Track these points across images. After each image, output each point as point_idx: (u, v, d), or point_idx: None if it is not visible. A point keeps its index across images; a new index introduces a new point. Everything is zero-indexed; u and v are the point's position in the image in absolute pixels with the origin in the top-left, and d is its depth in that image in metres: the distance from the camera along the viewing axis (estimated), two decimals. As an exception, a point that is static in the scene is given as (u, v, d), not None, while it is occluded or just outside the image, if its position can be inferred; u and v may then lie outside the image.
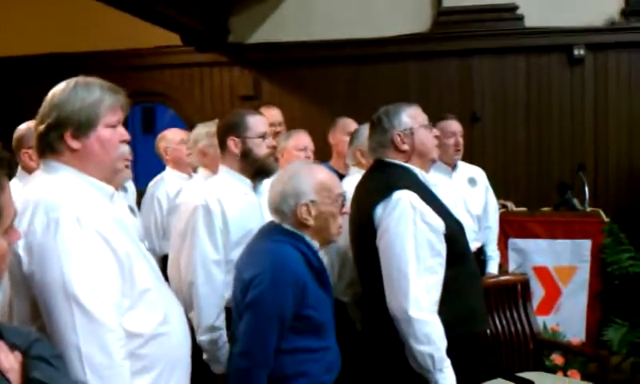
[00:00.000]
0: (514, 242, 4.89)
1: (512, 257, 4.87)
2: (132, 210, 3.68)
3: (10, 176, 1.33)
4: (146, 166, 5.81)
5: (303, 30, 6.25)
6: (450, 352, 2.48)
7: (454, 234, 2.62)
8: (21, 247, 1.75)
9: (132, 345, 1.81)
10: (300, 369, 2.29)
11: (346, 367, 2.52)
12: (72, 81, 1.94)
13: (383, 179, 2.67)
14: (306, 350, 2.31)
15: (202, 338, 2.79)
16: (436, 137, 2.84)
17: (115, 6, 5.08)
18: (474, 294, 2.72)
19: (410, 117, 2.75)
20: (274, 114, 4.29)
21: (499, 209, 4.66)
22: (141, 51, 6.44)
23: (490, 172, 4.57)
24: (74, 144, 1.89)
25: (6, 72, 6.56)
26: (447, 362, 2.47)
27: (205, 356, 2.83)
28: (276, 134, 3.91)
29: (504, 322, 3.94)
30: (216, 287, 2.78)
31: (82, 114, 1.89)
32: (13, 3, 6.49)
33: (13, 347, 1.35)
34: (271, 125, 3.72)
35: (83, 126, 1.89)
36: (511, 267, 4.75)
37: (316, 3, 6.29)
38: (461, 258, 2.63)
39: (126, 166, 3.41)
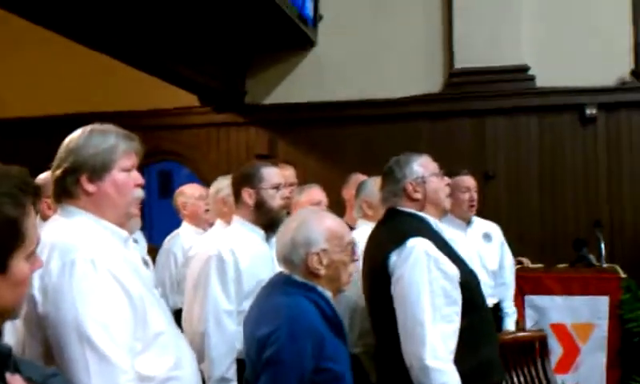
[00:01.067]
0: (531, 298, 4.82)
1: (528, 314, 4.80)
2: (145, 262, 3.68)
3: (35, 204, 1.36)
4: (161, 229, 5.84)
5: (317, 91, 6.36)
6: None
7: (469, 282, 2.61)
8: (36, 288, 1.77)
9: (144, 388, 1.81)
10: None
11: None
12: (88, 127, 2.00)
13: (397, 228, 2.68)
14: None
15: None
16: (447, 185, 2.86)
17: (134, 65, 5.22)
18: (490, 345, 2.68)
19: (422, 165, 2.77)
20: (287, 174, 4.29)
21: (515, 265, 4.63)
22: (158, 111, 6.57)
23: (504, 229, 4.56)
24: (90, 187, 1.93)
25: (22, 132, 6.69)
26: None
27: (217, 407, 2.81)
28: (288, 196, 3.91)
29: (522, 379, 3.87)
30: (228, 338, 2.78)
31: (97, 159, 1.93)
32: (29, 64, 6.66)
33: (29, 381, 1.35)
34: (285, 185, 3.77)
35: (99, 169, 1.93)
36: (528, 324, 4.67)
37: (330, 65, 6.41)
38: (476, 308, 2.61)
39: (137, 215, 3.47)
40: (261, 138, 6.52)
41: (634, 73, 5.95)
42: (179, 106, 6.56)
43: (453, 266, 2.54)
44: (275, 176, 3.02)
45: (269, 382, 2.17)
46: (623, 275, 4.81)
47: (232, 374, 2.78)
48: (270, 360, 2.17)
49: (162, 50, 5.11)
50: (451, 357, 2.46)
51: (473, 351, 2.53)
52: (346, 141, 6.29)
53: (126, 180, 1.98)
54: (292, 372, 2.15)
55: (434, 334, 2.42)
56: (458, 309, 2.52)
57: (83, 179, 1.93)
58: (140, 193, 2.04)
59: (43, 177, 3.02)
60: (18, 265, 1.31)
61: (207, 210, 4.28)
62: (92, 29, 4.34)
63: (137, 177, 2.03)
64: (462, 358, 2.48)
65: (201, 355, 2.79)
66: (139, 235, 3.80)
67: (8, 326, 1.83)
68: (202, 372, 2.77)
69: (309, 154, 6.38)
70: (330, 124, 6.34)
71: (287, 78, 6.53)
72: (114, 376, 1.73)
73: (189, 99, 6.39)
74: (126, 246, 2.00)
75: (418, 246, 2.53)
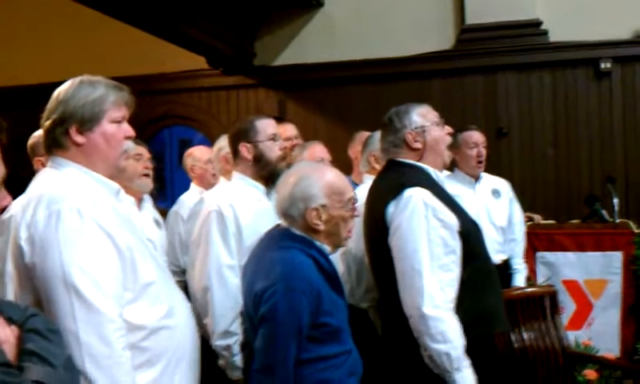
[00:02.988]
0: (543, 255, 4.79)
1: (541, 270, 4.77)
2: (157, 222, 3.69)
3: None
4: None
5: (327, 52, 6.30)
6: (467, 354, 2.41)
7: (469, 232, 2.57)
8: (23, 239, 1.78)
9: (135, 337, 1.82)
10: (322, 376, 2.22)
11: (369, 372, 2.47)
12: (77, 79, 1.98)
13: (395, 178, 2.64)
14: (327, 357, 2.24)
15: (217, 343, 2.78)
16: (449, 134, 2.80)
17: (141, 28, 5.19)
18: (493, 295, 2.65)
19: (421, 115, 2.72)
20: (288, 128, 4.17)
21: (526, 222, 4.58)
22: (167, 75, 6.57)
23: (517, 186, 4.53)
24: (79, 139, 1.92)
25: (28, 100, 6.69)
26: (466, 362, 2.40)
27: (220, 361, 2.82)
28: (292, 148, 3.89)
29: (532, 335, 3.83)
30: (230, 292, 2.77)
31: (86, 110, 1.92)
32: (39, 31, 6.67)
33: (9, 321, 1.38)
34: (286, 139, 3.73)
35: (88, 121, 1.92)
36: (540, 281, 4.64)
37: (339, 25, 6.34)
38: (476, 257, 2.57)
39: (146, 175, 3.47)
40: (270, 100, 6.49)
41: (650, 24, 5.80)
42: (188, 69, 6.53)
43: (452, 215, 2.50)
44: (270, 127, 2.98)
45: (266, 337, 2.17)
46: (637, 230, 4.74)
47: (235, 327, 2.78)
48: (267, 316, 2.16)
49: (169, 12, 5.08)
50: (450, 305, 2.43)
51: (475, 300, 2.51)
52: (356, 100, 6.23)
53: (116, 131, 1.97)
54: (289, 327, 2.14)
55: (431, 283, 2.39)
56: (456, 258, 2.49)
57: (72, 130, 1.92)
58: (130, 145, 2.03)
59: (36, 135, 3.03)
60: None
61: (214, 175, 4.25)
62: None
63: (127, 129, 2.01)
64: (463, 307, 2.45)
65: (203, 310, 2.80)
66: (147, 197, 3.79)
67: (9, 272, 1.85)
68: (205, 326, 2.80)
69: (318, 115, 6.34)
70: (340, 84, 6.29)
71: (296, 38, 6.48)
72: (101, 324, 1.73)
73: (197, 62, 6.36)
74: (117, 198, 2.00)
75: (415, 196, 2.49)
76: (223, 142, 3.64)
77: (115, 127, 1.97)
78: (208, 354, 2.82)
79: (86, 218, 1.78)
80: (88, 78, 1.98)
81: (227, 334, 2.76)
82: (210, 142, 6.56)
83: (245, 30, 6.38)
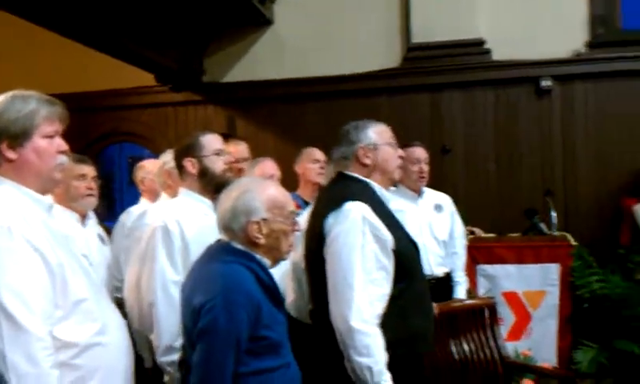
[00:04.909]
0: (483, 268, 4.92)
1: (481, 283, 4.90)
2: (102, 238, 3.69)
3: None
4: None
5: (276, 69, 6.38)
6: (390, 370, 2.44)
7: (405, 251, 2.61)
8: None
9: (66, 355, 1.82)
10: None
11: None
12: (9, 93, 1.97)
13: (339, 191, 2.68)
14: (265, 371, 2.24)
15: (162, 359, 2.78)
16: (400, 157, 2.85)
17: (90, 45, 5.18)
18: (421, 315, 2.68)
19: (377, 133, 2.76)
20: (240, 149, 4.22)
21: (467, 235, 4.70)
22: (115, 92, 6.54)
23: (460, 200, 4.63)
24: (11, 154, 1.92)
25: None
26: (386, 376, 2.43)
27: (165, 378, 2.82)
28: (240, 171, 3.92)
29: (472, 346, 3.93)
30: (176, 308, 2.77)
31: (17, 124, 1.92)
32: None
33: None
34: (237, 161, 3.78)
35: (19, 136, 1.92)
36: (480, 293, 4.76)
37: (288, 42, 6.43)
38: (409, 277, 2.61)
39: (91, 195, 3.48)
40: (219, 116, 6.53)
41: (588, 44, 6.03)
42: (136, 86, 6.53)
43: (387, 233, 2.54)
44: (215, 142, 3.02)
45: (204, 351, 2.15)
46: (574, 243, 4.91)
47: (180, 343, 2.79)
48: (206, 329, 2.15)
49: (118, 30, 5.08)
50: (377, 320, 2.47)
51: (401, 319, 2.54)
52: (306, 117, 6.31)
53: (48, 146, 1.97)
54: (228, 341, 2.13)
55: (361, 297, 2.43)
56: (387, 275, 2.53)
57: (3, 146, 1.92)
58: (64, 159, 2.02)
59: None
60: None
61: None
62: (48, 9, 4.30)
63: (60, 143, 2.01)
64: (389, 325, 2.49)
65: (149, 326, 2.82)
66: (91, 214, 3.77)
67: None
68: (151, 342, 2.81)
69: (268, 132, 6.40)
70: (289, 101, 6.37)
71: (245, 56, 6.54)
72: (28, 343, 1.74)
73: (146, 79, 6.37)
74: (49, 214, 2.00)
75: (354, 210, 2.53)
76: (168, 157, 3.66)
77: (47, 142, 1.96)
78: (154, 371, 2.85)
79: (15, 236, 1.79)
80: (21, 93, 1.98)
81: (172, 349, 2.77)
82: (156, 157, 6.55)
83: (194, 46, 6.41)
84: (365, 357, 2.41)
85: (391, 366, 2.45)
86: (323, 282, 2.57)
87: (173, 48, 5.99)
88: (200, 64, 6.52)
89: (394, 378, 2.45)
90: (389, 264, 2.54)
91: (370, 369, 2.41)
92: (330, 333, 2.51)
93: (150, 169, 4.57)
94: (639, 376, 4.39)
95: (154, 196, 4.45)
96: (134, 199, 4.80)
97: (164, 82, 6.43)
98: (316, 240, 2.64)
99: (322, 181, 4.09)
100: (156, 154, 6.56)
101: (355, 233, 2.50)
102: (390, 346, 2.46)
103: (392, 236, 2.57)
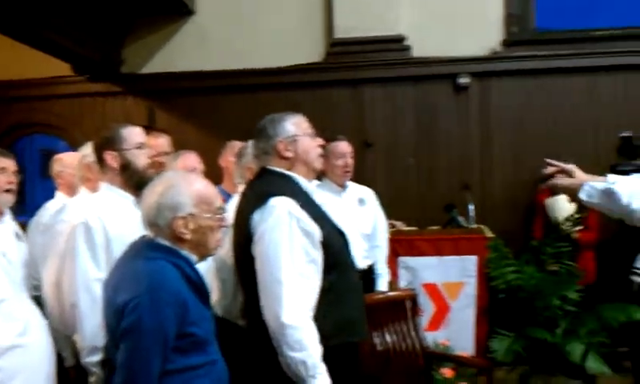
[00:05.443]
0: (404, 260, 5.03)
1: (402, 275, 5.00)
2: (18, 235, 3.54)
3: None
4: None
5: (197, 60, 6.29)
6: (325, 363, 2.45)
7: (333, 242, 2.63)
8: None
9: (-14, 357, 1.75)
10: None
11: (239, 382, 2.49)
12: None
13: (263, 187, 2.67)
14: (192, 368, 2.21)
15: (87, 359, 2.68)
16: (321, 147, 2.85)
17: (3, 33, 4.96)
18: (353, 304, 2.70)
19: (294, 125, 2.76)
20: (161, 142, 4.08)
21: (389, 229, 4.79)
22: (30, 81, 6.30)
23: (381, 194, 4.69)
24: None
25: None
26: (321, 369, 2.44)
27: (90, 379, 2.73)
28: (161, 165, 3.83)
29: (394, 337, 4.02)
30: (100, 307, 2.71)
31: None
32: None
33: None
34: (158, 154, 3.70)
35: None
36: (401, 285, 4.86)
37: (210, 34, 6.35)
38: (339, 267, 2.63)
39: (7, 191, 3.32)
40: (139, 108, 6.38)
41: (504, 42, 6.23)
42: (52, 76, 6.31)
43: (315, 225, 2.56)
44: (137, 135, 2.94)
45: (129, 350, 2.10)
46: (490, 235, 5.08)
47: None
48: (130, 328, 2.09)
49: (33, 17, 4.88)
50: (309, 314, 2.48)
51: (333, 310, 2.56)
52: (227, 110, 6.26)
53: None
54: (153, 339, 2.09)
55: (291, 292, 2.44)
56: (317, 267, 2.55)
57: None
58: None
59: None
60: None
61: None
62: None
63: None
64: (322, 317, 2.50)
65: (72, 326, 2.70)
66: (6, 210, 3.61)
67: None
68: (75, 343, 2.72)
69: (188, 124, 6.31)
70: (211, 93, 6.30)
71: (166, 46, 6.42)
72: None
73: (62, 68, 6.17)
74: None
75: (280, 205, 2.53)
76: (87, 150, 3.55)
77: None
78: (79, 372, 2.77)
79: None
80: None
81: (97, 349, 2.67)
82: (74, 151, 6.36)
83: (112, 36, 6.24)
84: (298, 351, 2.41)
85: (326, 358, 2.46)
86: (253, 280, 2.56)
87: (91, 37, 5.81)
88: (119, 54, 6.36)
89: (330, 370, 2.46)
90: (318, 257, 2.55)
91: (304, 363, 2.41)
92: (262, 330, 2.50)
93: (68, 162, 4.41)
94: (552, 363, 4.58)
95: (71, 190, 4.31)
96: (46, 193, 4.62)
97: (81, 72, 6.24)
98: (243, 238, 2.62)
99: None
100: (72, 147, 6.38)
101: (282, 229, 2.50)
102: (324, 338, 2.47)
103: (320, 228, 2.58)
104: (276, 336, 2.45)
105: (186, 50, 6.36)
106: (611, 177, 2.90)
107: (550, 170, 3.04)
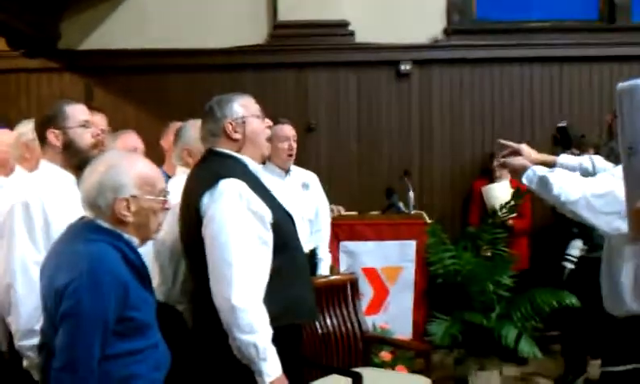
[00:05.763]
0: (345, 244, 5.06)
1: (343, 259, 5.04)
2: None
3: None
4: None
5: (137, 38, 6.14)
6: (274, 343, 2.46)
7: (282, 223, 2.63)
8: None
9: None
10: (127, 372, 2.16)
11: (180, 369, 2.47)
12: None
13: (212, 169, 2.64)
14: (132, 352, 2.18)
15: (22, 343, 2.62)
16: (268, 127, 2.83)
17: None
18: (301, 285, 2.72)
19: (243, 106, 2.73)
20: (97, 120, 3.82)
21: (331, 213, 4.82)
22: (-43, 55, 6.04)
23: (323, 179, 4.73)
24: None
25: None
26: (271, 351, 2.44)
27: (25, 363, 2.67)
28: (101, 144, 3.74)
29: (335, 320, 4.07)
30: (36, 289, 2.63)
31: None
32: None
33: None
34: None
35: None
36: (342, 269, 4.90)
37: (151, 12, 6.22)
38: (287, 248, 2.63)
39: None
40: (76, 85, 6.20)
41: (445, 31, 6.33)
42: (-16, 50, 6.07)
43: (265, 207, 2.55)
44: (81, 113, 2.85)
45: (68, 335, 2.06)
46: (429, 221, 5.17)
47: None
48: (70, 312, 2.05)
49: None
50: (259, 296, 2.48)
51: (282, 291, 2.56)
52: (169, 90, 6.15)
53: None
54: (93, 323, 2.05)
55: (241, 275, 2.43)
56: (268, 249, 2.54)
57: None
58: None
59: None
60: None
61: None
62: None
63: None
64: (271, 298, 2.50)
65: (6, 308, 2.65)
66: None
67: None
68: (8, 325, 2.65)
69: (128, 103, 6.18)
70: (151, 72, 6.17)
71: (105, 22, 6.25)
72: None
73: (-5, 42, 5.94)
74: None
75: (229, 187, 2.51)
76: (24, 128, 3.44)
77: None
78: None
79: None
80: None
81: (32, 332, 2.59)
82: (6, 127, 6.14)
83: (49, 10, 6.03)
84: (248, 334, 2.41)
85: (275, 340, 2.46)
86: (203, 263, 2.53)
87: (27, 10, 5.60)
88: (56, 29, 6.16)
89: (279, 351, 2.47)
90: (269, 239, 2.55)
91: (255, 346, 2.41)
92: (212, 313, 2.49)
93: (3, 140, 4.27)
94: (487, 346, 4.72)
95: (6, 169, 4.16)
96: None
97: (16, 46, 6.01)
98: (192, 220, 2.60)
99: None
100: (7, 125, 6.17)
101: (232, 210, 2.48)
102: (274, 319, 2.47)
103: (270, 210, 2.58)
104: (226, 318, 2.43)
105: (126, 28, 6.21)
106: (562, 157, 3.00)
107: (504, 151, 3.13)
